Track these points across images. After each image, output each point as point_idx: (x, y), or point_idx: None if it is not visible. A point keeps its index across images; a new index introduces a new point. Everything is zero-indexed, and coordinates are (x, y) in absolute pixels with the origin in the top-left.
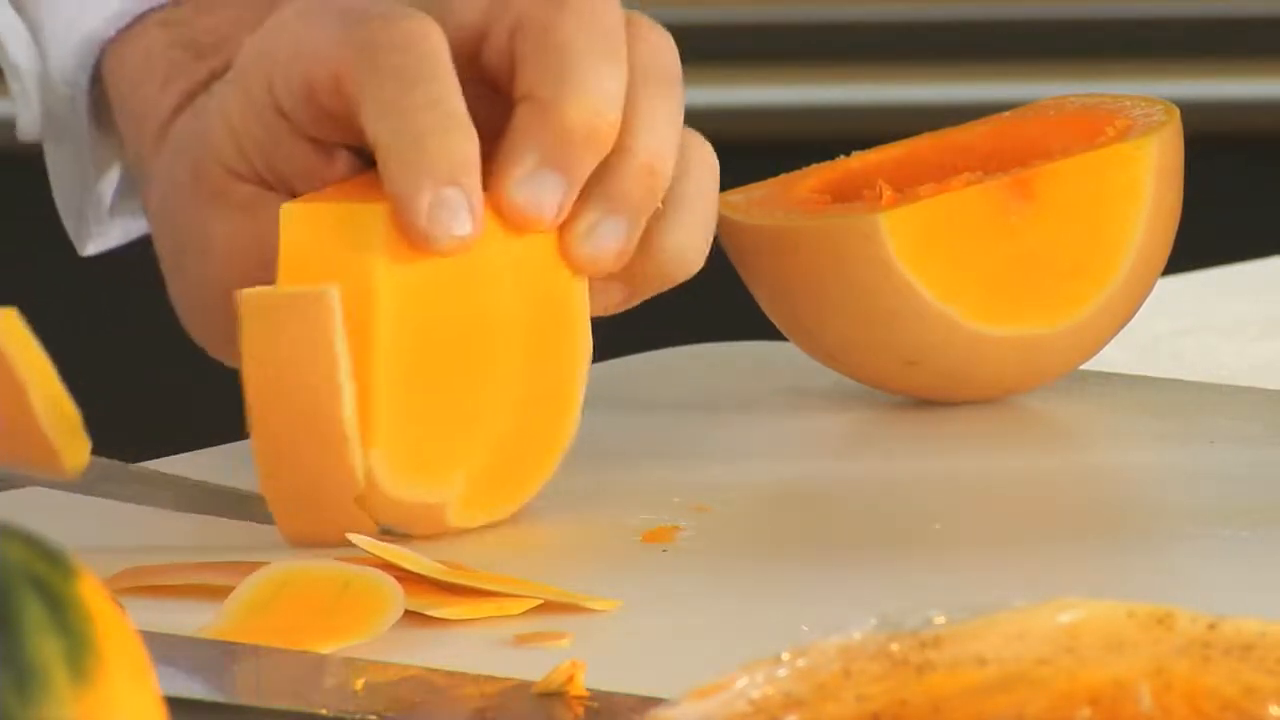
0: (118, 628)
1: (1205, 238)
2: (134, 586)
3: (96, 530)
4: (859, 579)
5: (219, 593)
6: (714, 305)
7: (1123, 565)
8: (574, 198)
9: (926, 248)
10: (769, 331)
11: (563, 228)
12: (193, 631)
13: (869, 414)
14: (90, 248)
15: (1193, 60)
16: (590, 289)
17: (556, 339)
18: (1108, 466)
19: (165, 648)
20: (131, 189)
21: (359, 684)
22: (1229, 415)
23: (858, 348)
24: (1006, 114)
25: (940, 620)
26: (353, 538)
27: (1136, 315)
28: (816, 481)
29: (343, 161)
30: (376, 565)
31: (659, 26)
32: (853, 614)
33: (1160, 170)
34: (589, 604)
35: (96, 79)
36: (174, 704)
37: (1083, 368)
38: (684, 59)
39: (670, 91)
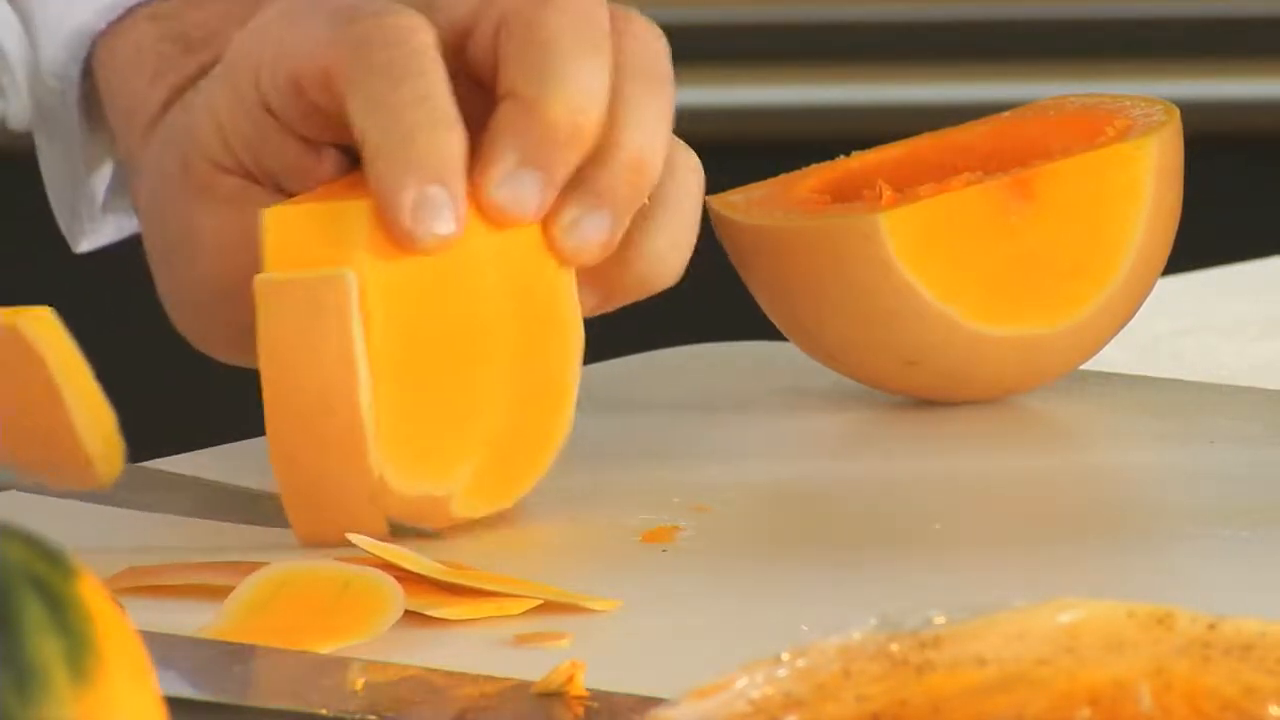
0: (118, 628)
1: (1205, 238)
2: (134, 586)
3: (96, 530)
4: (859, 579)
5: (219, 593)
6: (714, 305)
7: (1123, 565)
8: (554, 195)
9: (926, 248)
10: (769, 331)
11: (547, 220)
12: (193, 631)
13: (869, 414)
14: (84, 245)
15: (1193, 60)
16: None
17: (546, 328)
18: (1108, 466)
19: (165, 648)
20: (124, 185)
21: (359, 684)
22: (1229, 415)
23: (858, 348)
24: (1006, 114)
25: (940, 620)
26: (353, 538)
27: (1136, 315)
28: (816, 481)
29: (330, 160)
30: (376, 565)
31: (649, 22)
32: (853, 614)
33: (1160, 170)
34: (589, 604)
35: (87, 72)
36: (174, 704)
37: (1083, 368)
38: (683, 59)
39: (659, 87)
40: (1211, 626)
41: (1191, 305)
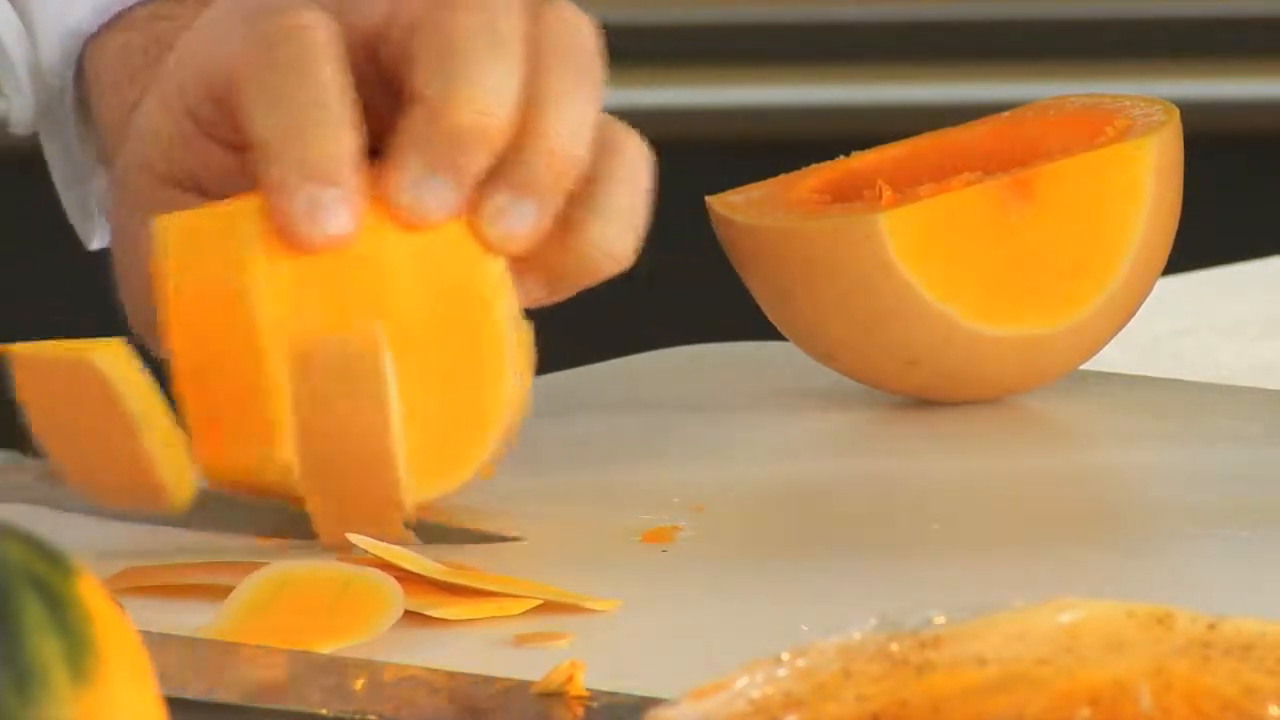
0: (118, 628)
1: (1205, 238)
2: (134, 586)
3: (97, 530)
4: (859, 579)
5: (219, 593)
6: (714, 305)
7: (1123, 565)
8: (464, 198)
9: (926, 248)
10: (769, 331)
11: (471, 210)
12: (193, 631)
13: (869, 414)
14: (96, 242)
15: (1193, 60)
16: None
17: (472, 316)
18: (1108, 466)
19: (165, 648)
20: None
21: (359, 684)
22: (1229, 415)
23: (858, 348)
24: (1006, 114)
25: (940, 620)
26: (352, 538)
27: (1136, 315)
28: (816, 481)
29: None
30: (376, 565)
31: (575, 10)
32: (853, 614)
33: (1160, 170)
34: (589, 604)
35: (81, 74)
36: (174, 704)
37: (1083, 368)
38: (683, 59)
39: (582, 74)
40: (1211, 626)
41: (1191, 305)
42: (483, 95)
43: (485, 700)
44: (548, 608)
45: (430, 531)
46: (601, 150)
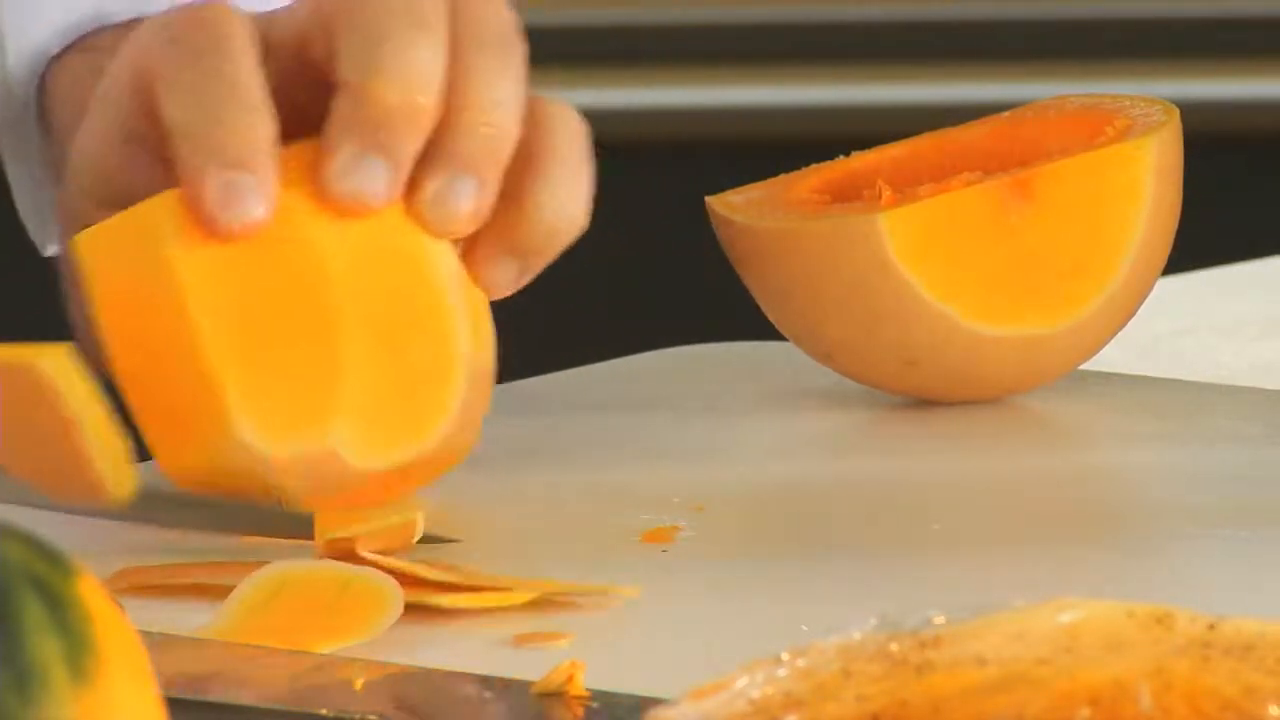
0: (118, 628)
1: (1205, 238)
2: (134, 586)
3: (95, 531)
4: (858, 579)
5: (219, 593)
6: (714, 305)
7: (1123, 565)
8: (402, 178)
9: (926, 248)
10: (769, 331)
11: (410, 195)
12: (193, 631)
13: (869, 414)
14: (51, 249)
15: (1193, 60)
16: (482, 267)
17: (416, 290)
18: (1108, 466)
19: (165, 648)
20: None
21: (359, 684)
22: (1229, 415)
23: (858, 348)
24: (1006, 114)
25: (940, 620)
26: (364, 554)
27: (1136, 315)
28: (816, 481)
29: None
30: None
31: None
32: (853, 614)
33: (1160, 170)
34: (603, 592)
35: (46, 90)
36: (174, 704)
37: (1083, 368)
38: (685, 59)
39: (504, 51)
40: (1211, 626)
41: (1191, 305)
42: (407, 74)
43: (485, 700)
44: (548, 607)
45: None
46: (535, 125)
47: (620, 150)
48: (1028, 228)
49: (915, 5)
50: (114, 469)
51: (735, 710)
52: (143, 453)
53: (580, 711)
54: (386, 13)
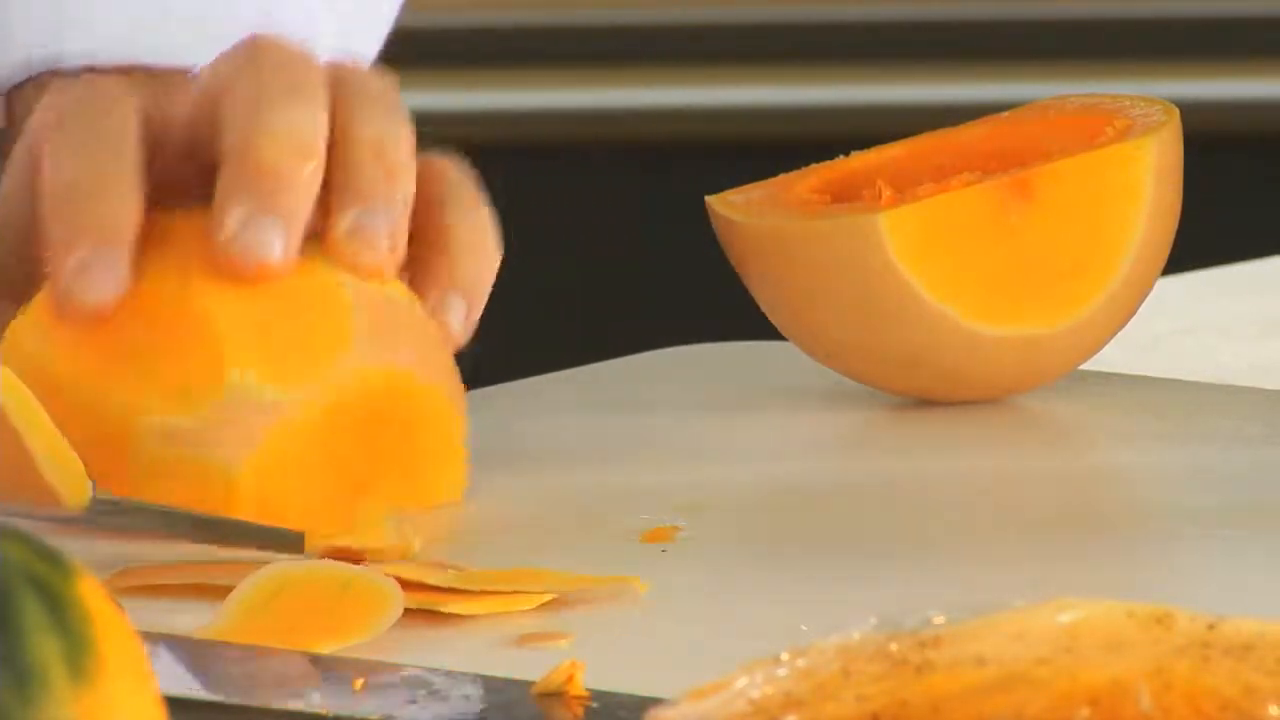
0: (118, 628)
1: (1205, 238)
2: (134, 586)
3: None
4: (859, 579)
5: (219, 593)
6: (714, 305)
7: (1123, 565)
8: (296, 235)
9: (926, 248)
10: (769, 331)
11: (325, 239)
12: (193, 631)
13: (869, 414)
14: None
15: (1193, 60)
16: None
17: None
18: (1108, 466)
19: (165, 648)
20: None
21: (359, 684)
22: (1229, 415)
23: (858, 348)
24: (1006, 114)
25: (940, 620)
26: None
27: (1136, 315)
28: (816, 481)
29: None
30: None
31: (376, 69)
32: (852, 614)
33: (1160, 170)
34: (610, 584)
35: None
36: (174, 704)
37: (1083, 368)
38: (685, 59)
39: (386, 102)
40: (1211, 626)
41: (1191, 305)
42: (290, 133)
43: (485, 700)
44: (548, 607)
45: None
46: (429, 174)
47: (620, 150)
48: (1028, 228)
49: (915, 5)
50: (67, 481)
51: (735, 710)
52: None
53: (580, 711)
54: (265, 84)
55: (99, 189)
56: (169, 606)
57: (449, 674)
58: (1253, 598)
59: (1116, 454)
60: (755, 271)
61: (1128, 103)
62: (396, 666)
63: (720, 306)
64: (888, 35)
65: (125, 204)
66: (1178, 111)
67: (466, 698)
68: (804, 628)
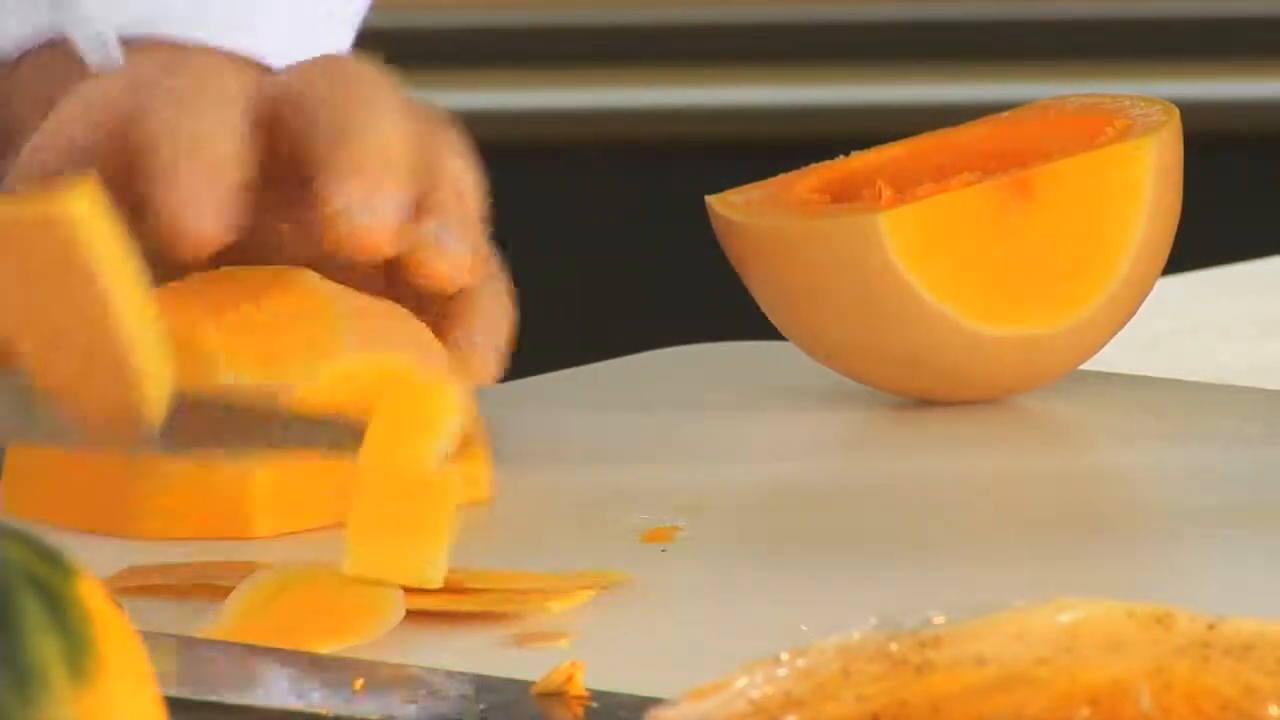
0: (117, 628)
1: (1205, 238)
2: (134, 586)
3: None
4: (859, 579)
5: (219, 593)
6: (714, 305)
7: (1123, 565)
8: (400, 217)
9: (926, 248)
10: (769, 331)
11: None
12: (193, 631)
13: (869, 414)
14: None
15: (1193, 60)
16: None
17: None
18: (1108, 466)
19: (165, 648)
20: None
21: (359, 684)
22: (1229, 415)
23: (858, 348)
24: (1006, 114)
25: (940, 620)
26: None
27: (1136, 315)
28: (816, 481)
29: None
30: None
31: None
32: (852, 614)
33: (1160, 170)
34: (598, 581)
35: None
36: (174, 704)
37: (1083, 368)
38: (685, 59)
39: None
40: (1211, 626)
41: (1191, 305)
42: (383, 133)
43: (485, 700)
44: (548, 606)
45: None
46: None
47: (620, 150)
48: (1028, 228)
49: (915, 5)
50: (153, 361)
51: (735, 710)
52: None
53: (580, 711)
54: (367, 101)
55: (212, 135)
56: (169, 606)
57: (449, 674)
58: (1253, 598)
59: (1116, 454)
60: (755, 271)
61: (1128, 103)
62: (396, 666)
63: (720, 306)
64: (888, 35)
65: (235, 150)
66: (1178, 111)
67: (466, 698)
68: (804, 628)
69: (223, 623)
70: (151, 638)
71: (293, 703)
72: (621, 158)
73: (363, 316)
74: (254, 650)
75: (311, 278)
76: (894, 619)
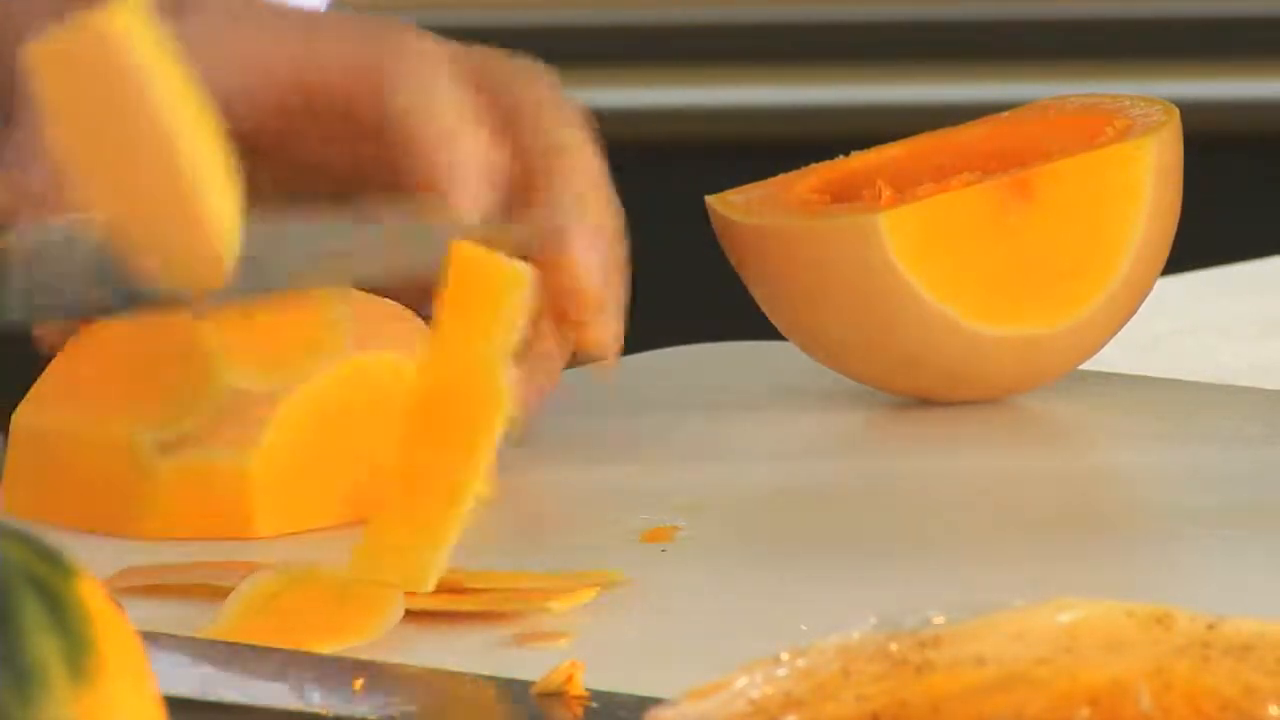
0: (117, 628)
1: (1205, 238)
2: (134, 586)
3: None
4: (859, 579)
5: (219, 593)
6: (714, 305)
7: (1123, 565)
8: None
9: (926, 248)
10: (769, 331)
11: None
12: (193, 631)
13: (869, 414)
14: None
15: (1193, 60)
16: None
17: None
18: (1108, 466)
19: (165, 648)
20: None
21: (359, 684)
22: (1229, 415)
23: (858, 348)
24: (1006, 114)
25: (940, 620)
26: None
27: (1136, 315)
28: (816, 481)
29: None
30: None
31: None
32: (852, 614)
33: (1160, 170)
34: (596, 580)
35: None
36: (174, 704)
37: (1083, 368)
38: (686, 59)
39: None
40: (1211, 626)
41: (1191, 305)
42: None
43: (485, 700)
44: (548, 606)
45: None
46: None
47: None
48: (1028, 228)
49: (915, 5)
50: (220, 194)
51: (735, 710)
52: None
53: (580, 711)
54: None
55: (472, 118)
56: (169, 606)
57: (449, 674)
58: (1253, 598)
59: (1116, 454)
60: (755, 271)
61: (1128, 103)
62: (396, 666)
63: (720, 306)
64: (888, 35)
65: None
66: (1178, 111)
67: (466, 698)
68: (804, 628)
69: (223, 623)
70: (151, 638)
71: (293, 703)
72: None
73: (363, 316)
74: (254, 650)
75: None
76: (894, 619)
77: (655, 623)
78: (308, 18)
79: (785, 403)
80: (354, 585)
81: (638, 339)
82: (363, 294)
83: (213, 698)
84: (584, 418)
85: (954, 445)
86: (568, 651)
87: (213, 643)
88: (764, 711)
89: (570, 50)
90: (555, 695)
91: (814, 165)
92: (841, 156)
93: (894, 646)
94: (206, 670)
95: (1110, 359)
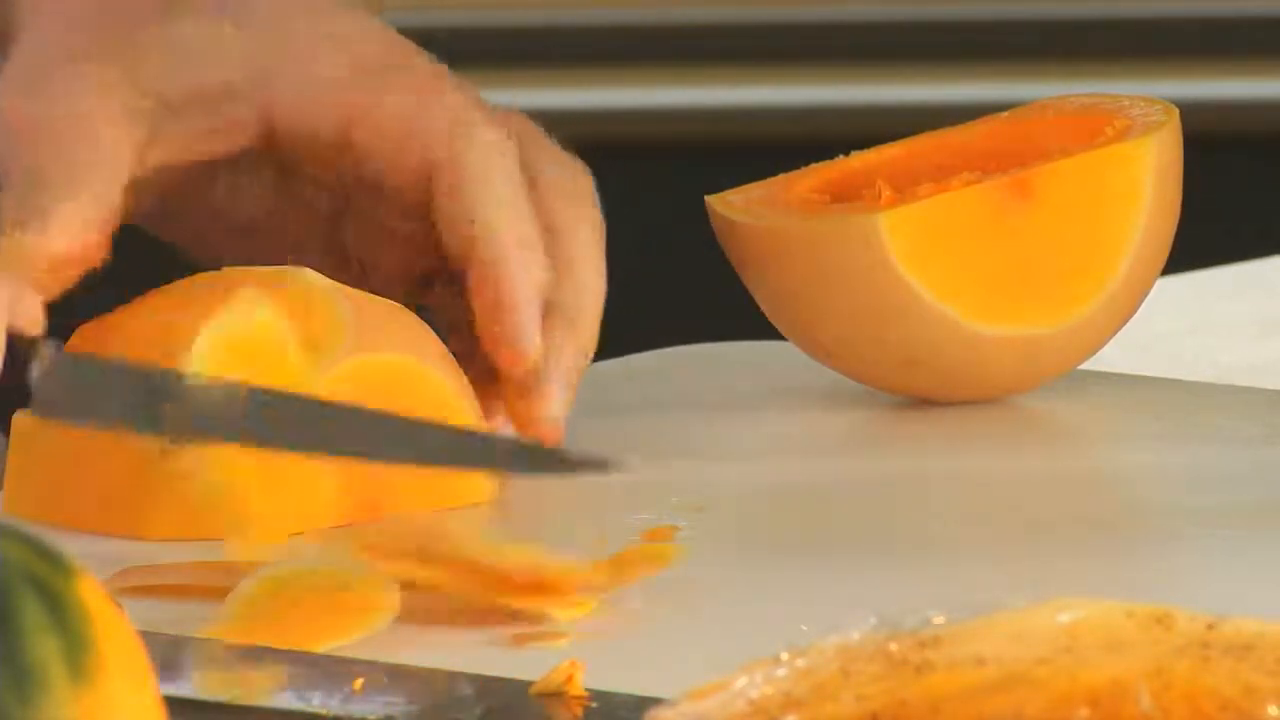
0: (117, 628)
1: (1205, 238)
2: (134, 586)
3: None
4: (859, 579)
5: (219, 593)
6: (714, 305)
7: (1123, 565)
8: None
9: (925, 248)
10: (769, 331)
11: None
12: (193, 631)
13: (869, 414)
14: None
15: (1193, 60)
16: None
17: None
18: (1108, 466)
19: (165, 648)
20: None
21: (359, 684)
22: (1229, 415)
23: (858, 348)
24: (1006, 114)
25: (939, 620)
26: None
27: (1136, 315)
28: (816, 481)
29: None
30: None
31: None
32: (852, 614)
33: (1160, 170)
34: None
35: None
36: (174, 704)
37: (1083, 368)
38: (686, 59)
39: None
40: (1211, 626)
41: (1191, 305)
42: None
43: (485, 700)
44: (547, 606)
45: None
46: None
47: (620, 150)
48: (1028, 228)
49: (915, 5)
50: None
51: (735, 710)
52: None
53: (580, 711)
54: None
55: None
56: (169, 606)
57: (449, 674)
58: (1253, 598)
59: (1116, 454)
60: (755, 271)
61: (1128, 103)
62: (396, 666)
63: (720, 306)
64: (888, 35)
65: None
66: (1178, 111)
67: (466, 698)
68: (804, 628)
69: (223, 623)
70: (151, 638)
71: (293, 703)
72: (621, 158)
73: (363, 316)
74: (254, 650)
75: (312, 277)
76: (894, 619)
77: (655, 622)
78: (381, 61)
79: (785, 403)
80: (354, 585)
81: (638, 339)
82: (363, 294)
83: (213, 698)
84: (584, 418)
85: (954, 445)
86: (567, 651)
87: (213, 643)
88: (764, 711)
89: (570, 50)
90: (555, 695)
91: (814, 165)
92: (841, 156)
93: (894, 646)
94: (207, 670)
95: (1110, 359)
